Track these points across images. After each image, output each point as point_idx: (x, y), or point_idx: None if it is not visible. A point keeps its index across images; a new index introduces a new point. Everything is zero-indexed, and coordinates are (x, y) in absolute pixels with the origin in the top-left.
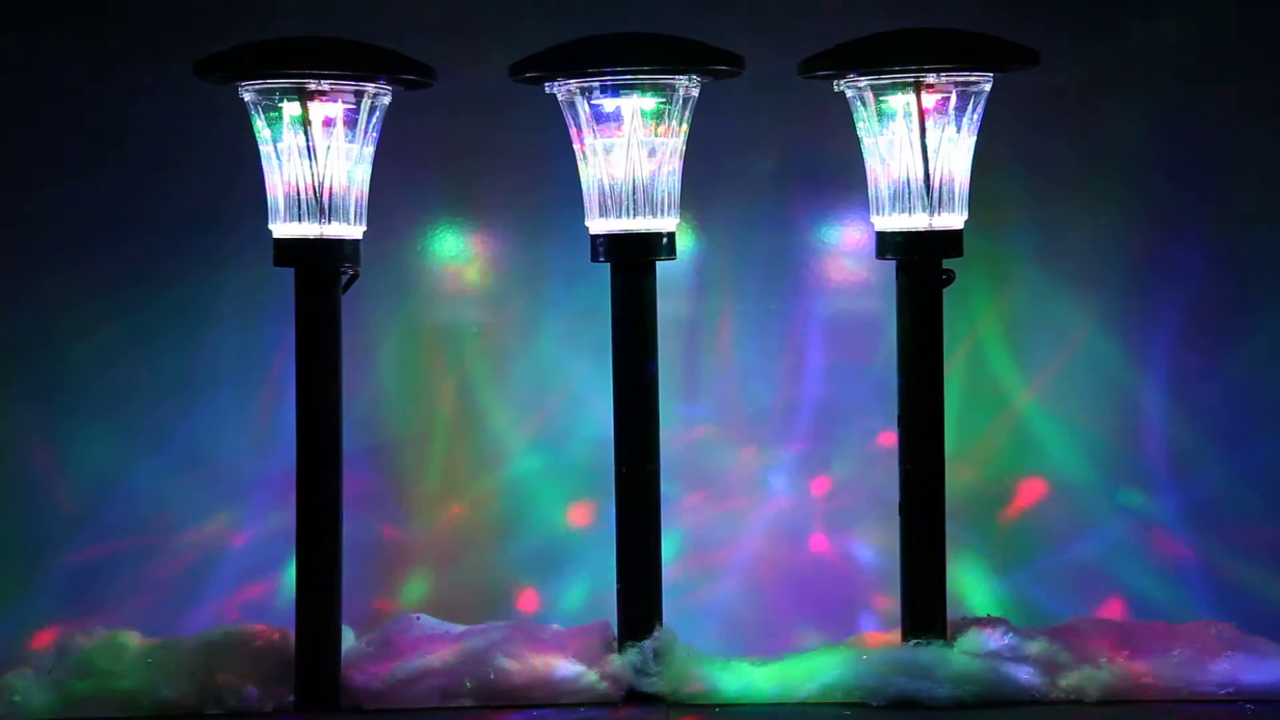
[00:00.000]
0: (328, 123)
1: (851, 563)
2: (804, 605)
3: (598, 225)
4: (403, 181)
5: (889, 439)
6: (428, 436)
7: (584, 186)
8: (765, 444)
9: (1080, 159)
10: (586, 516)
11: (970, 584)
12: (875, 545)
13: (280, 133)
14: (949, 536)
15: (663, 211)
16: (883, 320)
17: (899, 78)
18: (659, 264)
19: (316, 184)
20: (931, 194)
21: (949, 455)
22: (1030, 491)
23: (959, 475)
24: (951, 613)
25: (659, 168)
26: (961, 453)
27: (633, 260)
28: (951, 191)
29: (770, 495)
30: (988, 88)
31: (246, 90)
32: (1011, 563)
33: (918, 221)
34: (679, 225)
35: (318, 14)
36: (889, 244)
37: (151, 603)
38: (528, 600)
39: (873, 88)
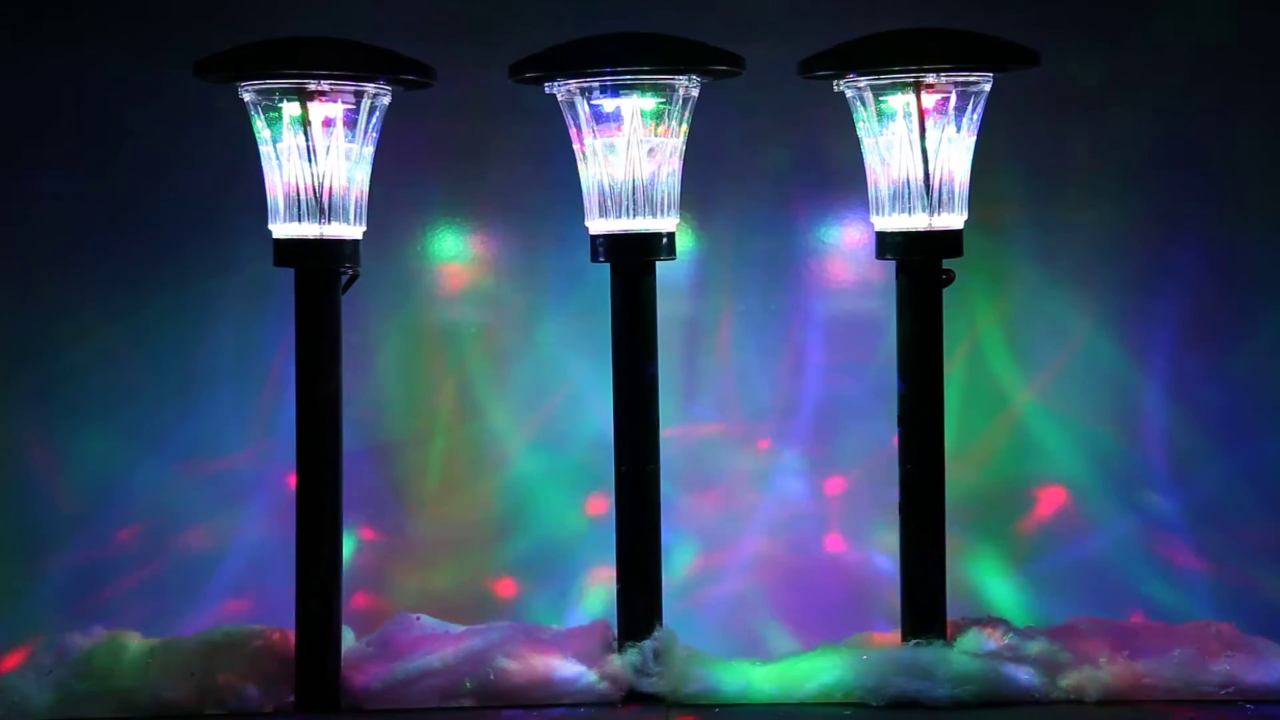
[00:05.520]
0: (327, 123)
1: (852, 563)
2: (803, 605)
3: (597, 225)
4: (403, 181)
5: (889, 439)
6: (428, 436)
7: (584, 187)
8: (765, 444)
9: (1080, 159)
10: (586, 516)
11: (969, 584)
12: (875, 545)
13: (280, 133)
14: (950, 537)
15: (662, 212)
16: (883, 320)
17: (899, 78)
18: (659, 264)
19: (316, 184)
20: (931, 194)
21: (949, 455)
22: (1029, 492)
23: (958, 475)
24: (951, 613)
25: (659, 168)
26: (961, 453)
27: (632, 260)
28: (951, 191)
29: (770, 495)
30: (988, 88)
31: (246, 90)
32: (1010, 562)
33: (918, 221)
34: (679, 225)
35: (318, 14)
36: (889, 244)
37: (151, 603)
38: (527, 600)
39: (873, 88)
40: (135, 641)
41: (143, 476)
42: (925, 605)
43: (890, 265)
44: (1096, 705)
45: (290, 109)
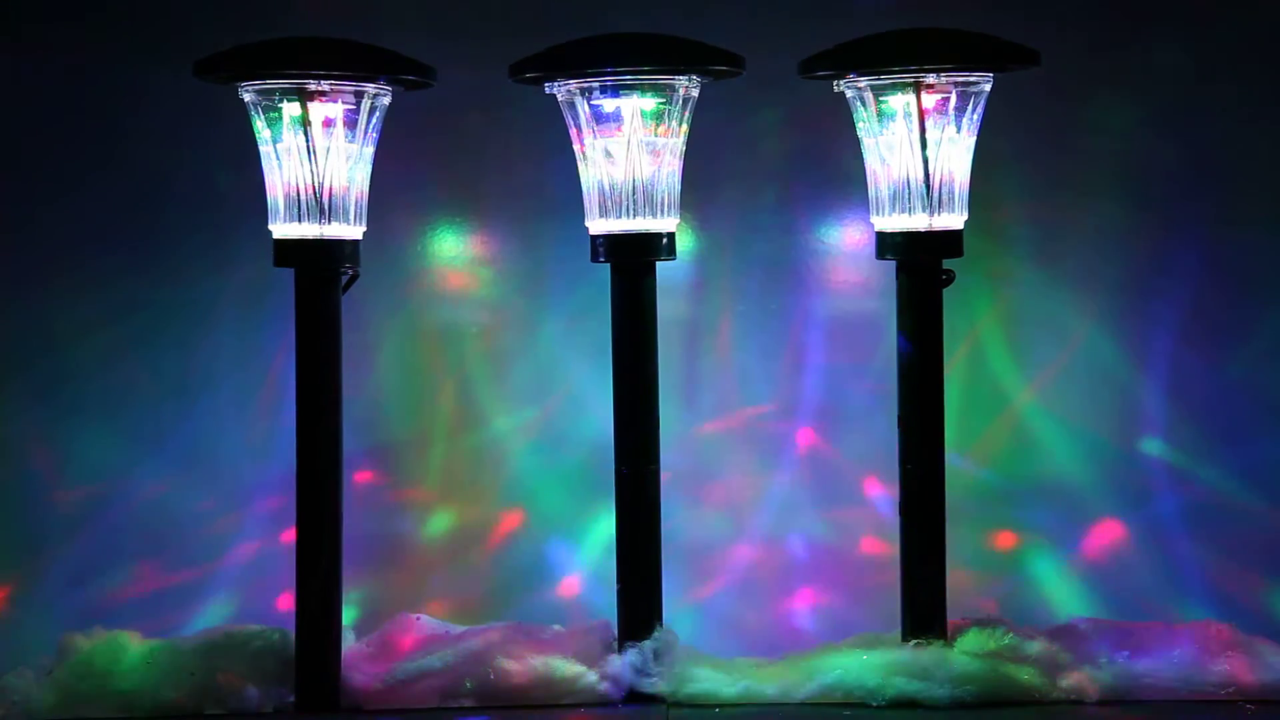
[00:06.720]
0: (328, 123)
1: (850, 563)
2: (803, 605)
3: (598, 225)
4: (403, 181)
5: (888, 439)
6: (428, 437)
7: (584, 187)
8: (765, 444)
9: (1081, 159)
10: (585, 517)
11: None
12: (875, 545)
13: (280, 133)
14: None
15: (663, 212)
16: (883, 320)
17: (899, 78)
18: (659, 264)
19: (316, 184)
20: (931, 194)
21: (948, 455)
22: (1027, 490)
23: (958, 475)
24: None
25: (659, 168)
26: (961, 453)
27: (632, 261)
28: (951, 191)
29: (770, 495)
30: (988, 88)
31: (246, 90)
32: (1011, 562)
33: (918, 222)
34: (679, 225)
35: (318, 14)
36: (889, 244)
37: (151, 603)
38: (528, 600)
39: (873, 88)
40: (135, 641)
41: (143, 476)
42: (925, 605)
43: (890, 265)
44: (1096, 705)
45: (290, 109)
